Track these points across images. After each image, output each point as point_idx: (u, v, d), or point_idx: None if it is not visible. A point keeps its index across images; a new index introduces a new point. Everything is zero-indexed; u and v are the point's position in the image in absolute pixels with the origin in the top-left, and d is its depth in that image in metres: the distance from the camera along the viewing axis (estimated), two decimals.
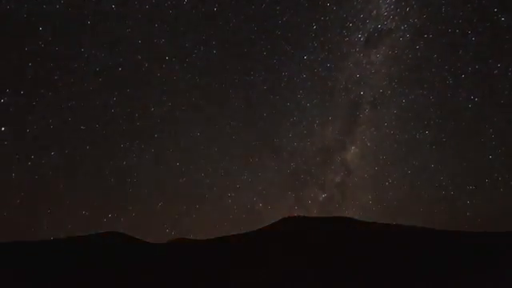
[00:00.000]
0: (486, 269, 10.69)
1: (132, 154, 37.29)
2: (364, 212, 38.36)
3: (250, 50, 41.60)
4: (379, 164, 38.48)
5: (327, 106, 41.72)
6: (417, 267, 10.29)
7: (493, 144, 32.70)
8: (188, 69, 40.31)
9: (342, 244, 11.57)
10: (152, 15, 36.81)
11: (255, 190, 40.04)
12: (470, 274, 10.38)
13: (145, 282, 9.37)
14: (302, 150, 42.16)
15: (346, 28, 38.83)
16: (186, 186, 38.49)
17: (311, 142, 41.93)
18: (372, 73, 38.61)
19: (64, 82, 35.05)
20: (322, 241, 11.99)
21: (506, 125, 32.52)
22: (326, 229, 13.16)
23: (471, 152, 34.32)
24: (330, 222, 13.83)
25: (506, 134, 32.90)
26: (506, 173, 31.99)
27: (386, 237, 12.07)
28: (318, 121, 41.78)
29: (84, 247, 12.43)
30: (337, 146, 41.31)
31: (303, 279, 9.25)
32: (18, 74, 33.86)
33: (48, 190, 33.33)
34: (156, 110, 38.60)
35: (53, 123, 34.61)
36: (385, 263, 10.15)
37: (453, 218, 34.09)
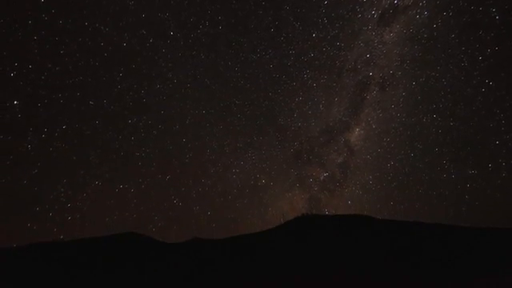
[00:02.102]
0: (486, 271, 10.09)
1: (140, 129, 36.46)
2: (364, 191, 38.02)
3: (256, 26, 38.59)
4: (383, 146, 37.23)
5: (334, 87, 39.52)
6: (433, 268, 9.62)
7: (502, 130, 30.99)
8: (193, 45, 37.77)
9: (358, 245, 10.84)
10: None
11: (259, 167, 39.59)
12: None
13: (156, 283, 8.92)
14: (306, 129, 40.91)
15: (358, 4, 35.45)
16: (191, 162, 38.10)
17: (316, 123, 40.49)
18: (383, 53, 35.80)
19: (70, 57, 33.18)
20: (337, 241, 11.23)
21: None
22: (343, 228, 12.36)
23: (478, 136, 32.83)
24: (346, 221, 12.97)
25: None
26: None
27: (406, 236, 11.28)
28: (324, 101, 39.90)
29: (99, 248, 11.90)
30: (341, 127, 39.85)
31: (316, 281, 8.65)
32: (24, 48, 31.98)
33: (62, 162, 33.21)
34: (162, 87, 37.01)
35: (62, 98, 33.36)
36: (402, 265, 9.49)
37: (451, 201, 33.66)
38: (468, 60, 31.55)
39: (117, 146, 34.98)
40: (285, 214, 38.48)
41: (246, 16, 37.38)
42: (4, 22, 30.12)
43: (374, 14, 34.86)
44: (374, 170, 37.38)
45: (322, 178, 39.18)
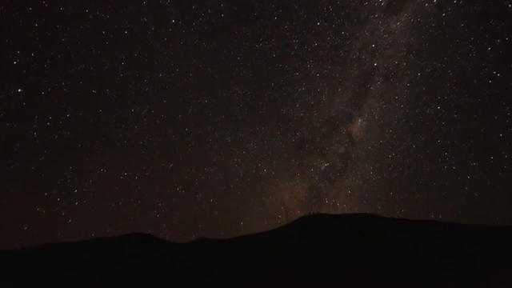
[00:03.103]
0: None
1: (143, 118, 35.99)
2: (364, 181, 37.82)
3: (260, 13, 37.07)
4: (385, 137, 36.60)
5: (337, 77, 38.46)
6: (440, 267, 9.39)
7: (506, 122, 30.09)
8: (195, 33, 36.51)
9: (365, 244, 10.53)
10: None
11: (260, 157, 39.41)
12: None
13: (162, 283, 8.75)
14: (308, 120, 40.27)
15: None
16: (194, 150, 37.93)
17: (318, 113, 39.81)
18: (389, 43, 34.40)
19: (71, 45, 32.14)
20: (344, 241, 10.91)
21: None
22: (349, 227, 12.02)
23: (481, 129, 31.99)
24: (352, 219, 12.60)
25: None
26: None
27: (414, 236, 10.94)
28: (327, 92, 38.96)
29: (111, 249, 11.68)
30: (343, 118, 39.14)
31: (323, 279, 8.41)
32: (25, 35, 30.94)
33: (68, 150, 33.10)
34: (164, 76, 36.15)
35: (65, 86, 32.66)
36: (409, 264, 9.21)
37: (451, 192, 33.31)
38: (476, 51, 30.17)
39: (120, 135, 34.68)
40: (285, 202, 38.59)
41: (249, 3, 35.86)
42: (4, 9, 28.99)
43: (381, 2, 33.20)
44: (374, 161, 37.01)
45: (322, 168, 38.95)
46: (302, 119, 39.41)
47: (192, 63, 36.82)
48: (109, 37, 31.85)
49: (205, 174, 37.11)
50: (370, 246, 10.28)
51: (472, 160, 32.20)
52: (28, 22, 30.32)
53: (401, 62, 34.37)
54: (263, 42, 36.91)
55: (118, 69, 33.13)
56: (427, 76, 33.62)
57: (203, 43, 36.18)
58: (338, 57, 37.10)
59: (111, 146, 34.90)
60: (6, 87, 30.26)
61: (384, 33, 33.90)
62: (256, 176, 38.74)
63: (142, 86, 34.87)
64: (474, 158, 32.14)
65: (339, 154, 38.51)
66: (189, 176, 36.75)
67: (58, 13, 29.82)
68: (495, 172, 31.48)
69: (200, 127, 38.21)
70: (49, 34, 31.17)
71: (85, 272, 9.45)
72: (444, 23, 30.87)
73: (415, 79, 34.18)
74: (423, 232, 11.46)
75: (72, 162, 32.61)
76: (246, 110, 38.74)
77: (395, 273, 9.07)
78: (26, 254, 11.04)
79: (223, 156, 38.31)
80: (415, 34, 32.92)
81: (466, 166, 32.65)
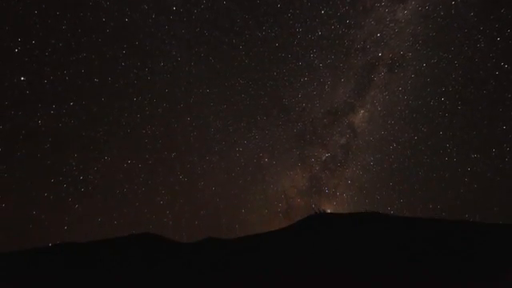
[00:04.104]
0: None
1: (145, 107, 35.40)
2: (364, 172, 37.52)
3: (262, 1, 35.47)
4: (386, 128, 35.88)
5: (341, 68, 37.23)
6: (449, 266, 9.24)
7: (510, 115, 29.31)
8: (196, 22, 35.13)
9: (376, 245, 10.32)
10: None
11: (262, 146, 38.92)
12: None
13: (168, 283, 8.66)
14: (310, 110, 39.46)
15: None
16: (196, 140, 37.53)
17: (320, 104, 38.90)
18: (395, 32, 32.90)
19: (72, 33, 31.13)
20: (353, 242, 10.70)
21: None
22: (358, 228, 11.73)
23: (485, 121, 31.21)
24: (361, 219, 12.27)
25: None
26: None
27: (416, 234, 10.71)
28: (330, 82, 37.87)
29: (115, 249, 11.53)
30: (346, 108, 38.27)
31: (326, 279, 8.32)
32: (25, 22, 29.95)
33: (72, 137, 32.87)
34: (166, 65, 35.25)
35: (67, 74, 31.95)
36: (416, 265, 9.05)
37: (450, 184, 33.12)
38: (485, 41, 28.84)
39: (123, 123, 34.25)
40: (286, 190, 38.55)
41: None
42: None
43: None
44: (375, 152, 36.56)
45: (323, 158, 38.60)
46: (303, 109, 38.58)
47: (194, 52, 35.63)
48: (109, 24, 30.71)
49: (207, 163, 36.85)
50: (374, 247, 10.09)
51: (473, 152, 31.67)
52: (28, 9, 29.19)
53: (406, 52, 33.04)
54: (266, 31, 35.45)
55: (119, 57, 32.17)
56: (433, 67, 32.41)
57: (205, 31, 34.84)
58: (342, 46, 35.68)
59: (114, 134, 34.50)
60: (8, 75, 29.53)
61: (390, 22, 32.39)
62: (257, 165, 38.46)
63: (144, 75, 33.99)
64: (476, 150, 31.60)
65: (340, 144, 37.99)
66: (191, 164, 36.51)
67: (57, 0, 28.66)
68: (496, 164, 31.02)
69: (202, 116, 37.53)
70: (49, 22, 30.09)
71: (86, 273, 9.38)
72: (453, 12, 29.36)
73: (420, 70, 32.99)
74: (426, 231, 11.23)
75: (77, 150, 32.36)
76: (248, 99, 37.87)
77: (397, 274, 8.88)
78: (29, 254, 10.98)
79: (225, 145, 37.89)
80: (422, 23, 31.42)
81: (467, 158, 32.16)
